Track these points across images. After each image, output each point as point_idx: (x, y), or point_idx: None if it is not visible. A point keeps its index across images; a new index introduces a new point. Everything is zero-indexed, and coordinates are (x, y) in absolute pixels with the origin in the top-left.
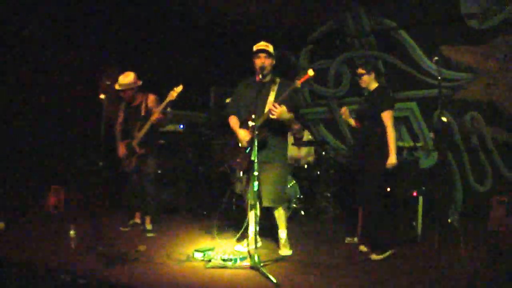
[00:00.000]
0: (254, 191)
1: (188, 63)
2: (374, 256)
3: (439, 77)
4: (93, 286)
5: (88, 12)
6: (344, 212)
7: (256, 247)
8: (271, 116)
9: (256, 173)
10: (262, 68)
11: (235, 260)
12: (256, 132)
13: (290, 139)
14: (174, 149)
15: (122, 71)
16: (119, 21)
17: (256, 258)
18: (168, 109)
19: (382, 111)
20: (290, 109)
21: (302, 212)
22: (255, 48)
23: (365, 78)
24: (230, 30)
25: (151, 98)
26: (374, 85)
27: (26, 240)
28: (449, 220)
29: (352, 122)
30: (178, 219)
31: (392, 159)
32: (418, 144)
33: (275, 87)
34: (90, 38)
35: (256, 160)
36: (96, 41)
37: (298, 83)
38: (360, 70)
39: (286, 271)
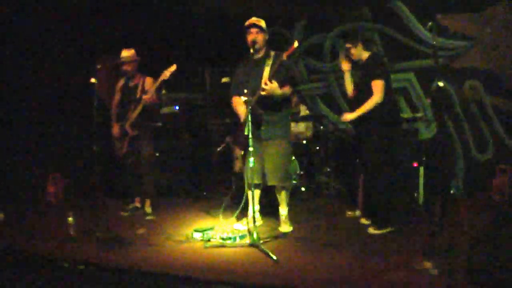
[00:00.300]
0: (251, 167)
1: (182, 44)
2: (371, 230)
3: (434, 43)
4: (92, 271)
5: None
6: (345, 187)
7: (254, 225)
8: (262, 93)
9: (251, 149)
10: (254, 42)
11: (234, 238)
12: (250, 107)
13: None
14: (171, 131)
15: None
16: (112, 5)
17: (255, 236)
18: (163, 92)
19: (373, 79)
20: (283, 84)
21: (303, 189)
22: (246, 23)
23: (353, 51)
24: (223, 9)
25: (148, 80)
26: (365, 55)
27: (25, 229)
28: (451, 191)
29: (348, 81)
30: (178, 201)
31: (349, 116)
32: (418, 115)
33: (270, 62)
34: (83, 24)
35: (250, 136)
36: (89, 26)
37: (285, 56)
38: (347, 45)
39: (286, 248)
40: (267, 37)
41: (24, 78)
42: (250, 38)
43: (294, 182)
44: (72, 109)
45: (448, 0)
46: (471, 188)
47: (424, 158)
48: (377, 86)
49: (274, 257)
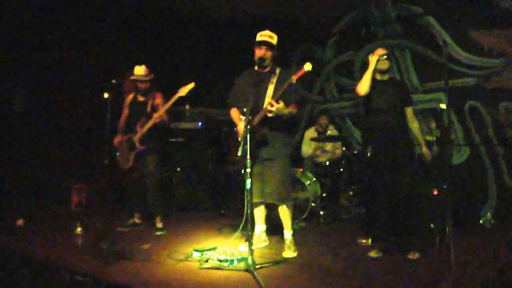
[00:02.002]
0: (247, 189)
1: (209, 60)
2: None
3: (444, 60)
4: (89, 283)
5: (102, 13)
6: (366, 213)
7: (250, 249)
8: (269, 114)
9: (248, 170)
10: (262, 59)
11: (232, 261)
12: (248, 126)
13: (310, 134)
14: (193, 147)
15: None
16: (134, 20)
17: (250, 260)
18: (187, 107)
19: (408, 106)
20: (288, 104)
21: (321, 212)
22: (258, 37)
23: (388, 62)
24: (252, 24)
25: (158, 96)
26: (387, 75)
27: (40, 235)
28: (481, 221)
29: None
30: (194, 218)
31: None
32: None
33: (274, 79)
34: (103, 39)
35: (248, 157)
36: (109, 42)
37: (294, 78)
38: (383, 51)
39: (283, 275)
40: (275, 53)
41: (46, 90)
42: (258, 54)
43: (312, 204)
44: (95, 122)
45: (482, 16)
46: (502, 218)
47: (445, 186)
48: (412, 112)
49: (262, 285)
